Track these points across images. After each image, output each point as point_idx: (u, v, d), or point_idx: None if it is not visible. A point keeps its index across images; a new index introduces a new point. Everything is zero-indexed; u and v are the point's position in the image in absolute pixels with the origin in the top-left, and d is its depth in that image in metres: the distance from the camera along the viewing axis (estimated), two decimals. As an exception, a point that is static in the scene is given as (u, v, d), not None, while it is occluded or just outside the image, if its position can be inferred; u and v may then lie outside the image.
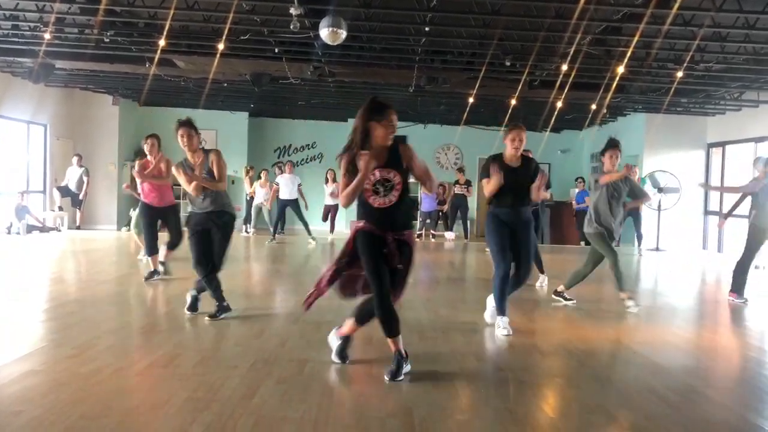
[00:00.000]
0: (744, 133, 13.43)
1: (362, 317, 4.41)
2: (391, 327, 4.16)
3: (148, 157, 7.68)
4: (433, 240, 15.91)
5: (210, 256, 5.69)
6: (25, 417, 3.30)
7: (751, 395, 4.22)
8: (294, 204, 13.47)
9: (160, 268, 7.81)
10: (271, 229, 13.80)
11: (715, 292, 9.07)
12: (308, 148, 19.02)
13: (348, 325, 4.48)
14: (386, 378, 4.09)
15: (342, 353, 4.48)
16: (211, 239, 5.73)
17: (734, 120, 13.82)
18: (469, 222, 16.54)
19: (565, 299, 6.99)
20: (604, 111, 14.18)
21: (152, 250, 7.75)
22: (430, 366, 4.50)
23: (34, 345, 4.75)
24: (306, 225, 13.37)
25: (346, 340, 4.52)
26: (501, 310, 5.51)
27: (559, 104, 12.70)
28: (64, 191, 14.25)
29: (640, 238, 13.64)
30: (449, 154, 18.69)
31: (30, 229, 13.20)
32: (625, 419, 3.59)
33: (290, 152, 18.90)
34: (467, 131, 17.57)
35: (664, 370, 4.76)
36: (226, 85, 13.16)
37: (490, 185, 5.47)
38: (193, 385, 3.86)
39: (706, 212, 14.90)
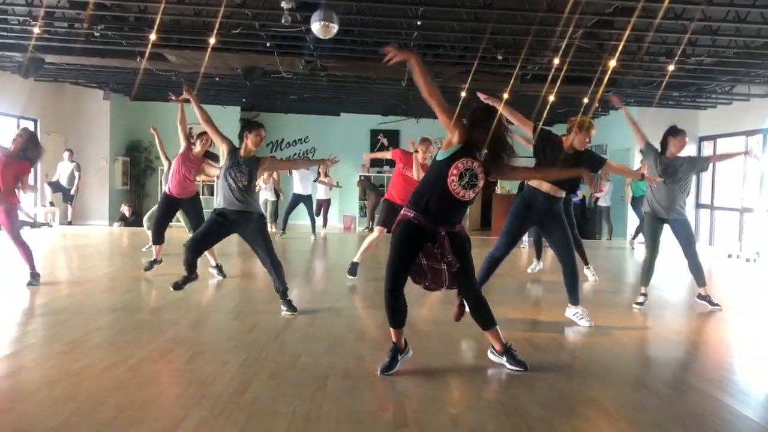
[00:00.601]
0: (735, 126, 13.48)
1: (483, 322, 4.30)
2: (398, 320, 4.14)
3: (198, 150, 7.79)
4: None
5: (206, 248, 5.75)
6: (17, 413, 3.29)
7: (741, 387, 4.24)
8: (308, 200, 13.51)
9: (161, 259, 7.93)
10: (281, 222, 13.82)
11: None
12: (300, 143, 18.99)
13: (492, 337, 4.36)
14: (378, 372, 4.10)
15: (515, 360, 4.32)
16: (222, 234, 5.82)
17: (725, 113, 13.87)
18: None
19: (712, 304, 6.71)
20: (596, 105, 14.19)
21: (160, 239, 7.81)
22: (422, 359, 4.51)
23: (25, 341, 4.74)
24: (313, 222, 13.42)
25: (508, 351, 4.34)
26: None
27: (551, 98, 12.68)
28: (56, 186, 14.18)
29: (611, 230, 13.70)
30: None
31: (21, 224, 13.12)
32: (617, 412, 3.61)
33: (282, 147, 18.86)
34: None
35: (655, 363, 4.78)
36: (217, 79, 13.10)
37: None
38: (185, 381, 3.86)
39: (698, 205, 14.95)
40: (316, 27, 7.88)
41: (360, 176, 17.13)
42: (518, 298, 6.97)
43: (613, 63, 9.65)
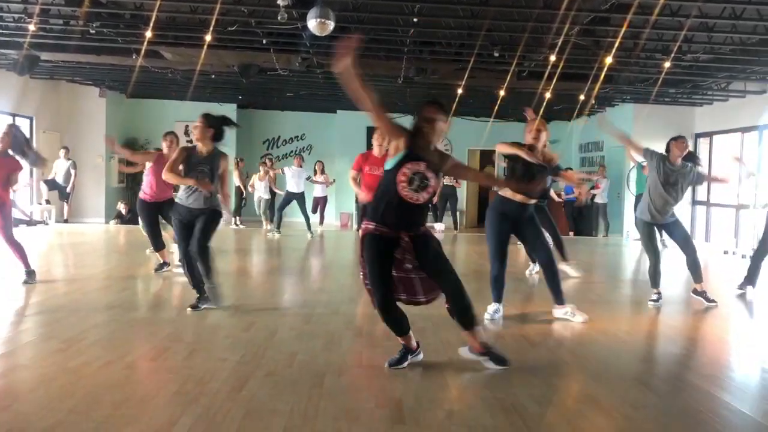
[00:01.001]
0: (731, 123, 13.51)
1: (463, 322, 4.21)
2: (399, 329, 4.17)
3: (165, 152, 7.67)
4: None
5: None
6: (14, 412, 3.28)
7: (739, 384, 4.25)
8: (300, 198, 13.44)
9: (170, 260, 7.86)
10: (275, 220, 13.78)
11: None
12: (297, 140, 18.99)
13: (470, 338, 4.28)
14: (386, 365, 4.15)
15: (497, 359, 4.28)
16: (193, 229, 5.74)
17: (721, 110, 13.89)
18: (458, 213, 16.56)
19: (708, 300, 6.74)
20: (593, 102, 14.21)
21: (159, 245, 7.75)
22: (419, 356, 4.51)
23: (21, 339, 4.73)
24: (307, 219, 13.38)
25: (488, 352, 4.29)
26: None
27: (548, 95, 12.70)
28: (51, 184, 14.15)
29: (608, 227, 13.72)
30: (439, 145, 18.66)
31: (17, 222, 13.09)
32: (614, 408, 3.62)
33: (279, 144, 18.85)
34: (456, 122, 17.54)
35: (652, 360, 4.79)
36: (213, 76, 13.08)
37: None
38: (182, 378, 3.85)
39: (694, 202, 14.99)
40: (312, 24, 7.87)
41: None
42: (515, 294, 6.97)
43: (609, 60, 9.65)
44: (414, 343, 4.25)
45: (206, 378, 3.88)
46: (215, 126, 5.68)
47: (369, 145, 17.84)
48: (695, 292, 6.81)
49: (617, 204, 15.56)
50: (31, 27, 9.32)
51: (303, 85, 14.39)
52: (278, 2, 7.64)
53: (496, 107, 14.67)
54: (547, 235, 6.51)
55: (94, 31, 9.53)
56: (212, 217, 5.74)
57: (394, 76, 12.09)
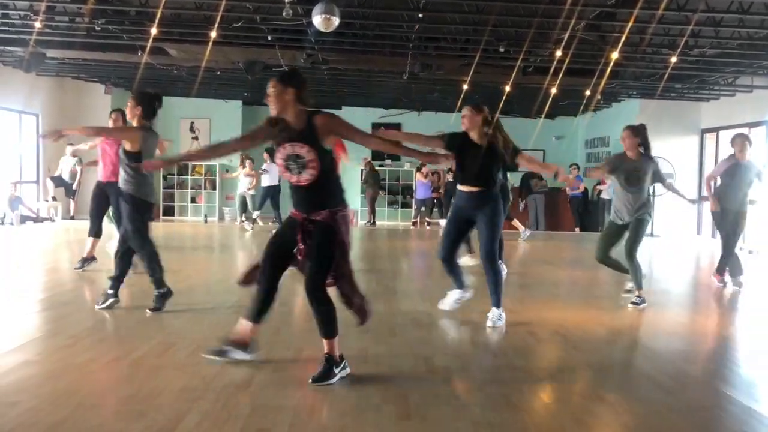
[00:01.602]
0: (738, 118, 13.43)
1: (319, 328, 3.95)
2: (255, 314, 4.03)
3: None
4: (428, 227, 15.92)
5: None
6: (22, 407, 3.30)
7: (745, 379, 4.24)
8: (277, 191, 13.37)
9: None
10: (254, 215, 13.85)
11: (707, 277, 9.10)
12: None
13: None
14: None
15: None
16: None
17: (728, 105, 13.82)
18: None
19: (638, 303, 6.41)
20: (599, 97, 14.16)
21: (99, 231, 7.60)
22: (425, 353, 4.51)
23: (29, 335, 4.75)
24: (278, 213, 13.48)
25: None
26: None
27: (554, 90, 12.66)
28: (58, 181, 14.17)
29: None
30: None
31: (24, 219, 13.16)
32: (621, 405, 3.61)
33: (284, 140, 18.84)
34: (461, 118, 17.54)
35: (659, 356, 4.78)
36: (219, 73, 13.08)
37: None
38: (188, 375, 3.86)
39: (700, 198, 14.93)
40: (317, 20, 7.86)
41: (367, 158, 17.16)
42: (521, 291, 6.97)
43: (615, 55, 9.61)
44: (248, 340, 4.04)
45: (213, 374, 3.88)
46: (143, 103, 5.64)
47: (374, 141, 17.93)
48: (629, 292, 6.51)
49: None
50: (37, 24, 9.34)
51: (308, 81, 14.31)
52: (283, -2, 7.64)
53: (502, 103, 14.63)
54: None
55: (99, 28, 9.55)
56: (130, 201, 5.53)
57: (399, 72, 12.08)
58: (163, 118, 15.68)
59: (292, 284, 6.72)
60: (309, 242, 3.85)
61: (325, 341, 3.88)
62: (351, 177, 17.66)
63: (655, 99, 14.37)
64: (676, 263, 9.95)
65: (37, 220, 13.73)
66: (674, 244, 12.95)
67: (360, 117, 17.91)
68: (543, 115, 16.67)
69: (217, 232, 13.09)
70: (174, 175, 17.98)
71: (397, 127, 18.10)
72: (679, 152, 14.74)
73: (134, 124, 5.64)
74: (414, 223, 17.04)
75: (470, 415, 3.38)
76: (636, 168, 6.26)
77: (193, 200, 18.18)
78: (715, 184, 7.69)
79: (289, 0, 7.68)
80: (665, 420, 3.42)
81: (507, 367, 4.28)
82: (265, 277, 4.02)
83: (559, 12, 8.18)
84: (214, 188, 17.99)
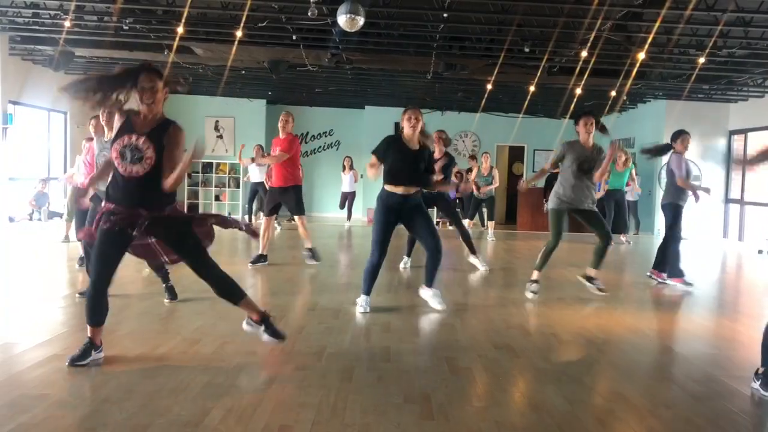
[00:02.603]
0: (767, 119, 13.23)
1: (232, 298, 4.18)
2: (96, 318, 4.01)
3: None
4: (450, 227, 15.88)
5: None
6: (50, 400, 3.35)
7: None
8: (261, 186, 13.25)
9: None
10: (249, 213, 14.02)
11: (735, 280, 8.98)
12: (325, 136, 19.05)
13: (246, 308, 4.25)
14: (66, 361, 3.94)
15: (273, 331, 4.25)
16: None
17: (757, 106, 13.62)
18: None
19: (599, 289, 6.70)
20: (624, 98, 14.03)
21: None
22: (448, 353, 4.51)
23: (55, 330, 4.82)
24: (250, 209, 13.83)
25: (265, 321, 4.25)
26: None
27: (579, 91, 12.58)
28: (84, 178, 14.37)
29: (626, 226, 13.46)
30: (467, 141, 18.62)
31: (51, 215, 13.35)
32: (645, 408, 3.58)
33: (307, 140, 18.92)
34: (485, 118, 17.49)
35: (683, 359, 4.73)
36: (244, 72, 13.18)
37: None
38: (213, 371, 3.90)
39: (727, 200, 14.73)
40: (342, 20, 7.88)
41: None
42: (544, 292, 6.93)
43: (642, 55, 9.53)
44: (100, 340, 4.07)
45: (237, 371, 3.92)
46: None
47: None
48: (587, 277, 6.72)
49: (648, 201, 15.35)
50: (67, 23, 9.49)
51: (332, 81, 14.43)
52: (308, -2, 7.68)
53: (526, 103, 14.57)
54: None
55: (127, 28, 9.68)
56: None
57: (423, 72, 12.07)
58: (188, 116, 15.89)
59: (315, 284, 6.79)
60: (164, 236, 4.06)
61: (242, 305, 4.18)
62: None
63: (681, 100, 14.21)
64: (702, 266, 9.81)
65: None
66: (700, 247, 12.78)
67: (382, 117, 18.00)
68: (568, 116, 16.58)
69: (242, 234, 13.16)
70: (198, 173, 18.13)
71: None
72: (706, 154, 14.56)
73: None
74: (437, 223, 17.04)
75: (493, 416, 3.37)
76: (589, 157, 6.40)
77: (217, 198, 18.32)
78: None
79: (314, 0, 7.71)
80: (691, 426, 3.38)
81: (530, 368, 4.26)
82: (105, 284, 4.08)
83: (585, 12, 8.13)
84: (238, 186, 18.11)
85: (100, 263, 3.96)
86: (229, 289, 4.14)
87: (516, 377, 4.15)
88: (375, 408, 3.41)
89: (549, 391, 3.78)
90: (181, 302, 5.84)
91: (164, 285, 5.88)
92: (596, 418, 3.44)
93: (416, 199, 5.69)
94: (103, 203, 3.97)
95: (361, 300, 5.76)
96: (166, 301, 5.80)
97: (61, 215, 13.69)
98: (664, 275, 7.48)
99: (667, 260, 7.47)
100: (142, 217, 3.87)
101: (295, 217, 8.22)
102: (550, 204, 6.58)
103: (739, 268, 10.35)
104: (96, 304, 3.98)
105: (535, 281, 6.61)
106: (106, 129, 5.80)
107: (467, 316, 5.69)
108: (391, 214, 5.64)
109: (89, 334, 4.02)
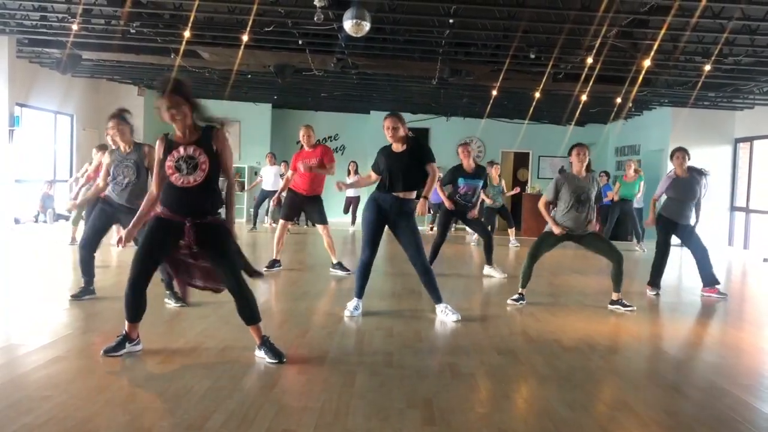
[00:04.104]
0: (773, 128, 13.21)
1: (246, 317, 4.26)
2: (134, 314, 4.22)
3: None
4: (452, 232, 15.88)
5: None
6: (53, 402, 3.36)
7: (776, 393, 4.16)
8: (271, 195, 13.49)
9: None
10: (252, 218, 14.24)
11: (739, 288, 8.96)
12: (330, 140, 19.05)
13: (254, 333, 4.32)
14: (101, 352, 4.17)
15: (274, 353, 4.24)
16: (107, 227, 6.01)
17: (763, 114, 13.59)
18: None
19: (624, 306, 6.52)
20: (630, 105, 14.01)
21: None
22: (450, 358, 4.51)
23: (59, 332, 4.83)
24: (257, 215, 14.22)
25: (265, 343, 4.29)
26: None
27: (584, 97, 12.57)
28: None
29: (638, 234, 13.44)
30: (472, 147, 18.57)
31: (57, 217, 13.40)
32: (647, 415, 3.57)
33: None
34: (490, 124, 17.48)
35: (687, 367, 4.71)
36: (250, 76, 13.21)
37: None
38: (215, 374, 3.91)
39: (732, 208, 14.69)
40: (348, 25, 7.90)
41: None
42: (548, 299, 6.92)
43: (647, 63, 9.52)
44: (136, 333, 4.28)
45: (239, 374, 3.93)
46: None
47: (402, 146, 18.01)
48: (614, 302, 6.56)
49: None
50: (74, 27, 9.53)
51: (337, 85, 14.45)
52: (315, 3, 7.69)
53: (531, 109, 14.57)
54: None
55: (134, 31, 9.70)
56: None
57: (428, 78, 12.07)
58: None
59: (318, 288, 6.79)
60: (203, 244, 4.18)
61: (252, 328, 4.29)
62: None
63: (687, 107, 14.19)
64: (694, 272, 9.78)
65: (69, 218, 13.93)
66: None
67: (388, 122, 18.00)
68: (573, 123, 16.56)
69: (245, 234, 13.18)
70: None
71: (425, 132, 18.14)
72: (711, 162, 14.50)
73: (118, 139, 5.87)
74: (431, 228, 17.00)
75: (495, 422, 3.37)
76: (585, 187, 6.39)
77: (222, 202, 18.33)
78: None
79: (320, 5, 7.73)
80: (694, 433, 3.37)
81: (533, 375, 4.25)
82: (144, 283, 4.28)
83: (591, 19, 8.13)
84: (242, 189, 18.13)
85: (143, 262, 4.13)
86: (249, 313, 4.23)
87: (519, 383, 4.14)
88: (377, 413, 3.41)
89: (552, 398, 3.77)
90: (185, 306, 5.85)
91: (168, 291, 5.89)
92: (599, 425, 3.43)
93: (409, 206, 5.67)
94: (158, 207, 4.13)
95: (351, 303, 5.77)
96: (171, 304, 5.81)
97: (67, 218, 13.76)
98: (718, 287, 7.39)
99: (705, 274, 7.44)
100: (190, 223, 4.01)
101: (319, 227, 8.21)
102: (548, 228, 6.47)
103: (744, 276, 10.31)
104: (133, 301, 4.17)
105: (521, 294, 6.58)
106: (120, 142, 5.79)
107: (470, 321, 5.69)
108: (381, 212, 5.63)
109: (125, 329, 4.24)
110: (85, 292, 5.97)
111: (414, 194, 5.72)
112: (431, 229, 15.90)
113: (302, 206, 8.23)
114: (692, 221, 7.42)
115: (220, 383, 3.75)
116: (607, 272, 6.90)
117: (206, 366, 4.09)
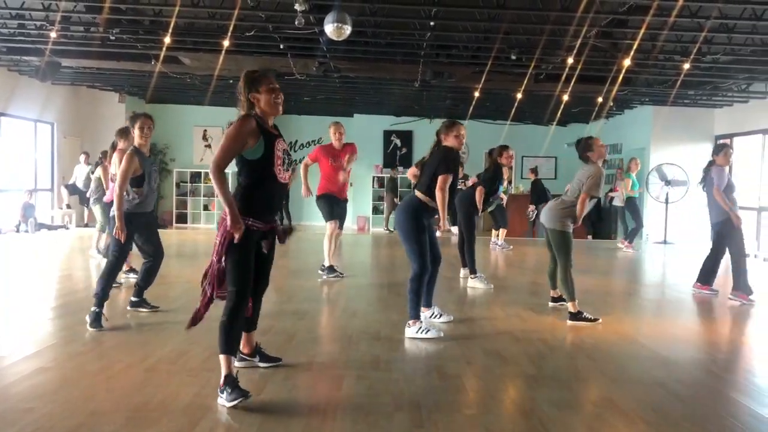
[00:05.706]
0: (752, 124, 13.36)
1: (249, 322, 4.06)
2: (237, 346, 3.88)
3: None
4: (439, 234, 15.89)
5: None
6: (37, 413, 3.33)
7: (760, 389, 4.20)
8: None
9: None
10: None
11: (723, 285, 9.03)
12: (314, 144, 19.02)
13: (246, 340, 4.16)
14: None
15: (267, 357, 4.22)
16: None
17: (742, 112, 13.75)
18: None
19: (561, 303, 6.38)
20: (611, 104, 14.12)
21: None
22: (437, 360, 4.51)
23: (43, 342, 4.78)
24: None
25: (258, 352, 4.22)
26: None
27: (566, 97, 12.66)
28: (72, 189, 14.29)
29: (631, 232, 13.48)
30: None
31: (39, 227, 13.27)
32: (634, 413, 3.59)
33: (296, 148, 18.91)
34: (473, 125, 17.54)
35: (672, 364, 4.75)
36: (232, 81, 13.15)
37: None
38: (201, 382, 3.88)
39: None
40: (329, 29, 7.90)
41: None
42: (533, 299, 6.95)
43: (627, 62, 9.60)
44: (252, 345, 4.18)
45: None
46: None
47: (386, 148, 18.08)
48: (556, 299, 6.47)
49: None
50: (53, 34, 9.45)
51: (320, 89, 14.44)
52: (295, 7, 7.68)
53: (513, 110, 14.64)
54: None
55: (114, 38, 9.65)
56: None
57: (410, 80, 12.10)
58: (176, 125, 15.90)
59: (305, 293, 6.78)
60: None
61: (248, 334, 4.14)
62: (363, 184, 17.76)
63: (667, 106, 14.33)
64: (689, 271, 9.85)
65: (51, 227, 13.82)
66: (687, 252, 12.85)
67: (371, 124, 18.04)
68: (555, 123, 16.67)
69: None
70: (186, 182, 18.09)
71: (408, 134, 18.19)
72: (692, 159, 14.64)
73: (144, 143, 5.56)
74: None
75: (483, 423, 3.38)
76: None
77: (205, 207, 18.25)
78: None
79: (301, 9, 7.72)
80: (679, 429, 3.40)
81: (520, 375, 4.26)
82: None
83: (571, 19, 8.19)
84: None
85: (247, 275, 3.65)
86: (257, 317, 4.15)
87: (506, 384, 4.15)
88: (365, 417, 3.40)
89: (538, 398, 3.79)
90: (169, 313, 5.82)
91: (136, 298, 5.83)
92: (586, 424, 3.45)
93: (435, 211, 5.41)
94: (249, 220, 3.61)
95: (426, 323, 5.26)
96: (144, 311, 5.78)
97: (48, 227, 13.63)
98: (750, 296, 7.20)
99: (738, 277, 7.28)
100: (275, 224, 3.81)
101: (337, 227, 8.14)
102: (567, 228, 6.01)
103: (726, 273, 10.39)
104: (240, 331, 3.86)
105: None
106: (146, 145, 5.56)
107: (456, 323, 5.69)
108: (425, 222, 5.38)
109: (228, 370, 3.62)
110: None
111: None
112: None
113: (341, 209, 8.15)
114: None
115: (206, 391, 3.73)
116: (589, 271, 6.95)
117: (192, 373, 4.06)
